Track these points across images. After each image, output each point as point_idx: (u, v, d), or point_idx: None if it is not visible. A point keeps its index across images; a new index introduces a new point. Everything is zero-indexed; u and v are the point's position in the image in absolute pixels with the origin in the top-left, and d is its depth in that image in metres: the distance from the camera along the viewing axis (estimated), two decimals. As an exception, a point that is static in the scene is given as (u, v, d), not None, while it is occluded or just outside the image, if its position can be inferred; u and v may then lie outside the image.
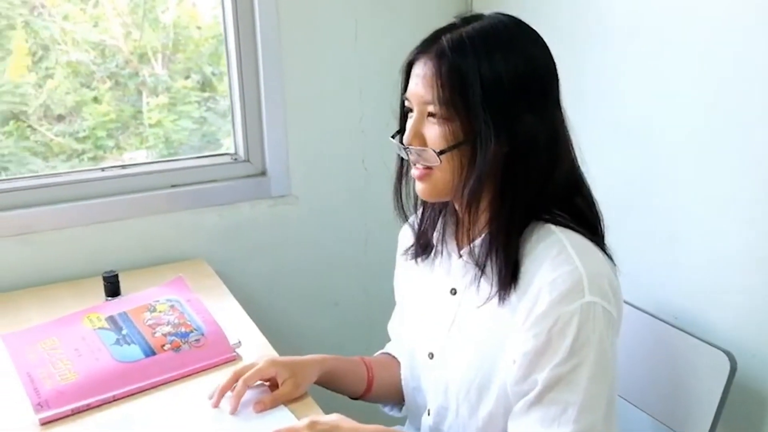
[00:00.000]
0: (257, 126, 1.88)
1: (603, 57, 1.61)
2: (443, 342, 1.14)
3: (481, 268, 1.05)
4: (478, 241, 1.07)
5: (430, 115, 1.02)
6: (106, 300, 1.55)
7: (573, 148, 1.07)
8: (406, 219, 1.18)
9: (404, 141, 1.05)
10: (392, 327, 1.36)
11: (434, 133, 1.02)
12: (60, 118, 1.79)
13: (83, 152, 1.83)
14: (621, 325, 1.03)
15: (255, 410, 1.14)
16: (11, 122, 1.72)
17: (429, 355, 1.17)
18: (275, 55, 1.83)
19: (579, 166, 1.08)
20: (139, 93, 1.88)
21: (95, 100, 1.82)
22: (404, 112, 1.08)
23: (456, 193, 1.04)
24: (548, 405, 0.97)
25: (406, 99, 1.06)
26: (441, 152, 1.01)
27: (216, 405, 1.15)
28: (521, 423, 1.00)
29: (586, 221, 1.06)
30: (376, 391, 1.30)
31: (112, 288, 1.58)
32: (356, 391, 1.30)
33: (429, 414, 1.19)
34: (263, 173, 1.92)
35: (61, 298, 1.60)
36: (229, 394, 1.16)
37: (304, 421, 1.02)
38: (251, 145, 1.90)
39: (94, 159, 1.83)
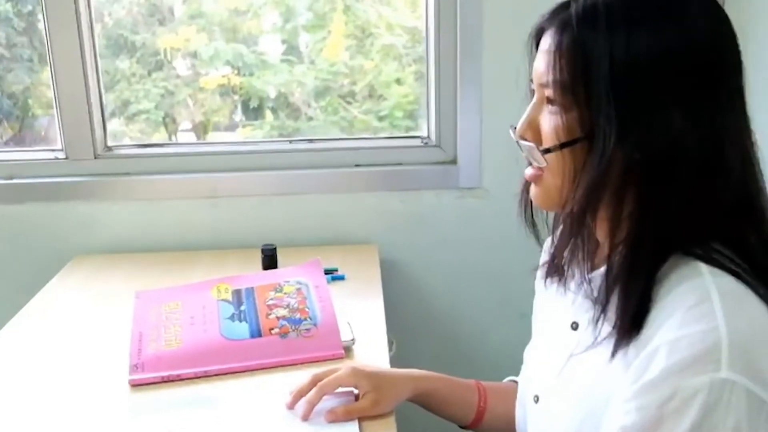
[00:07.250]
0: (452, 109, 1.73)
1: None
2: (551, 385, 0.91)
3: (602, 306, 0.81)
4: (598, 272, 0.82)
5: (549, 101, 0.80)
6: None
7: (755, 162, 0.78)
8: (533, 228, 0.96)
9: (516, 132, 0.85)
10: (527, 351, 1.14)
11: (548, 124, 0.80)
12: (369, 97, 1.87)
13: (381, 130, 1.87)
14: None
15: (326, 419, 1.01)
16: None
17: (534, 398, 0.95)
18: (475, 37, 1.67)
19: (761, 187, 0.78)
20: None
21: (398, 81, 1.86)
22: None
23: (566, 205, 0.80)
24: None
25: (530, 80, 0.85)
26: (546, 150, 0.79)
27: (291, 407, 1.04)
28: None
29: (757, 264, 0.76)
30: (488, 422, 1.11)
31: (268, 261, 1.56)
32: (462, 419, 1.11)
33: None
34: (453, 161, 1.76)
35: (226, 264, 1.62)
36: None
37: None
38: (443, 129, 1.76)
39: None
